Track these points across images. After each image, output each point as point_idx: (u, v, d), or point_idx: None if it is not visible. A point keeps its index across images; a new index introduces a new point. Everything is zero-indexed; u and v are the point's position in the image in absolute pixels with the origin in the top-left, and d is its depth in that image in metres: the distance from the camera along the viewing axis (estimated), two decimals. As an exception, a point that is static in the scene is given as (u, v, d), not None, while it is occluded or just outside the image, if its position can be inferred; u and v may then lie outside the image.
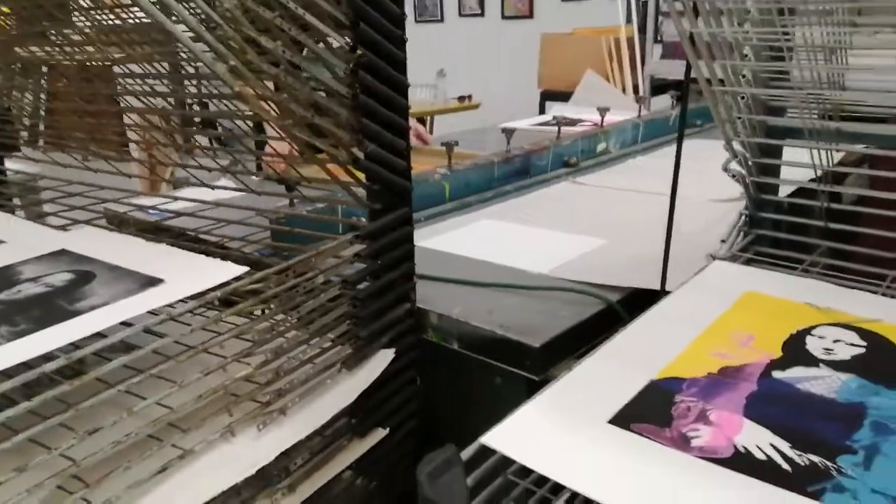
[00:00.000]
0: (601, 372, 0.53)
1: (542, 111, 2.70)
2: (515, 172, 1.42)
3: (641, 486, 0.41)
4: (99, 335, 0.56)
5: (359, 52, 0.66)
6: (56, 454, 0.51)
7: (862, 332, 0.58)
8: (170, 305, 0.59)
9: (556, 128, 1.64)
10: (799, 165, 0.76)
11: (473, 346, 0.80)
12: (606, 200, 1.32)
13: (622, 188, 1.36)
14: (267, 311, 0.66)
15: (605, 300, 0.81)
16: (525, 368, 0.76)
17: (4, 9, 0.64)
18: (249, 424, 0.64)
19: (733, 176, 0.80)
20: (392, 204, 0.76)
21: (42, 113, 1.05)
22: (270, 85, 0.66)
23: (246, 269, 0.64)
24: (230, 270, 0.64)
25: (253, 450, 0.64)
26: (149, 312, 0.61)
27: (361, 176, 0.74)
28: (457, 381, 0.85)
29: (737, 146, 0.77)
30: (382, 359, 0.75)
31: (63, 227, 0.87)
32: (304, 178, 0.84)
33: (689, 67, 0.65)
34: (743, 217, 0.85)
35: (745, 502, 0.39)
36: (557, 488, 0.47)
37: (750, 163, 0.78)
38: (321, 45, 0.65)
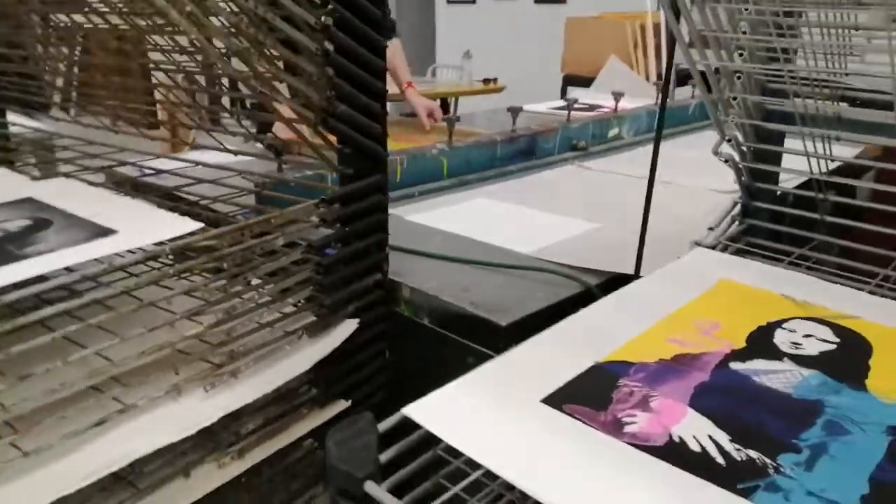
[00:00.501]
0: (546, 351, 0.50)
1: (563, 95, 2.65)
2: (520, 153, 1.39)
3: (560, 469, 0.38)
4: (41, 280, 0.54)
5: (330, 6, 0.64)
6: (-20, 397, 0.50)
7: (837, 329, 0.55)
8: (118, 255, 0.58)
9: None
10: (793, 153, 0.72)
11: (444, 323, 0.78)
12: (610, 185, 1.28)
13: (628, 174, 1.32)
14: (222, 271, 0.64)
15: (582, 283, 0.78)
16: (493, 348, 0.73)
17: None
18: (199, 385, 0.63)
19: (725, 160, 0.76)
20: (365, 170, 0.73)
21: (74, 76, 1.05)
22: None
23: (201, 225, 0.62)
24: (185, 225, 0.62)
25: (200, 410, 0.62)
26: (98, 262, 0.59)
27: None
28: (428, 358, 0.82)
29: (729, 129, 0.73)
30: (346, 328, 0.73)
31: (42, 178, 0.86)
32: (279, 138, 0.82)
33: (672, 42, 0.61)
34: (737, 205, 0.81)
35: (667, 494, 0.37)
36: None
37: (743, 147, 0.74)
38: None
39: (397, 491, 0.40)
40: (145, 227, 0.63)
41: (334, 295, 0.73)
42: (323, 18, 0.63)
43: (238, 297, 0.65)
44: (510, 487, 0.42)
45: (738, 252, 0.77)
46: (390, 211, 1.08)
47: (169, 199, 0.83)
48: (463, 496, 0.41)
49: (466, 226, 0.99)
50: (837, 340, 0.53)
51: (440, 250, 0.88)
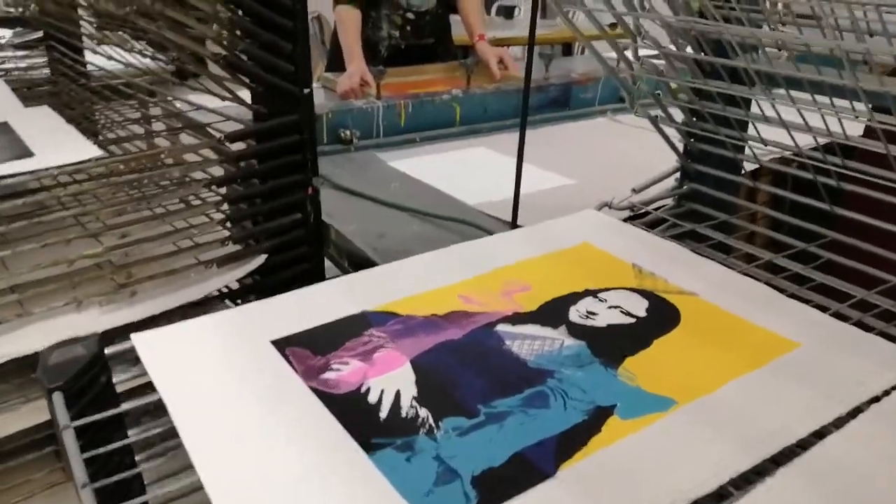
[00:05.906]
0: (321, 295, 0.51)
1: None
2: (551, 102, 1.34)
3: (219, 406, 0.39)
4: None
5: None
6: None
7: (655, 301, 0.51)
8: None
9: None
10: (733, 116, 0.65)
11: (357, 267, 0.79)
12: (626, 140, 1.21)
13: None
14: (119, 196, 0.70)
15: (487, 233, 0.76)
16: (391, 294, 0.74)
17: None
18: (98, 301, 0.69)
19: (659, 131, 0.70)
20: (281, 109, 0.75)
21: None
22: None
23: (103, 153, 0.68)
24: (90, 151, 0.68)
25: (98, 323, 0.69)
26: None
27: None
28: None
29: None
30: (256, 262, 0.77)
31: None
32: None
33: None
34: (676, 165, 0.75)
35: (299, 433, 0.37)
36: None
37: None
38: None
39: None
40: (60, 151, 0.69)
41: (245, 230, 0.76)
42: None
43: (139, 221, 0.71)
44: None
45: (661, 221, 0.71)
46: (378, 154, 1.10)
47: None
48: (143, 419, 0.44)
49: (439, 175, 0.99)
50: (644, 315, 0.49)
51: (389, 196, 0.89)
